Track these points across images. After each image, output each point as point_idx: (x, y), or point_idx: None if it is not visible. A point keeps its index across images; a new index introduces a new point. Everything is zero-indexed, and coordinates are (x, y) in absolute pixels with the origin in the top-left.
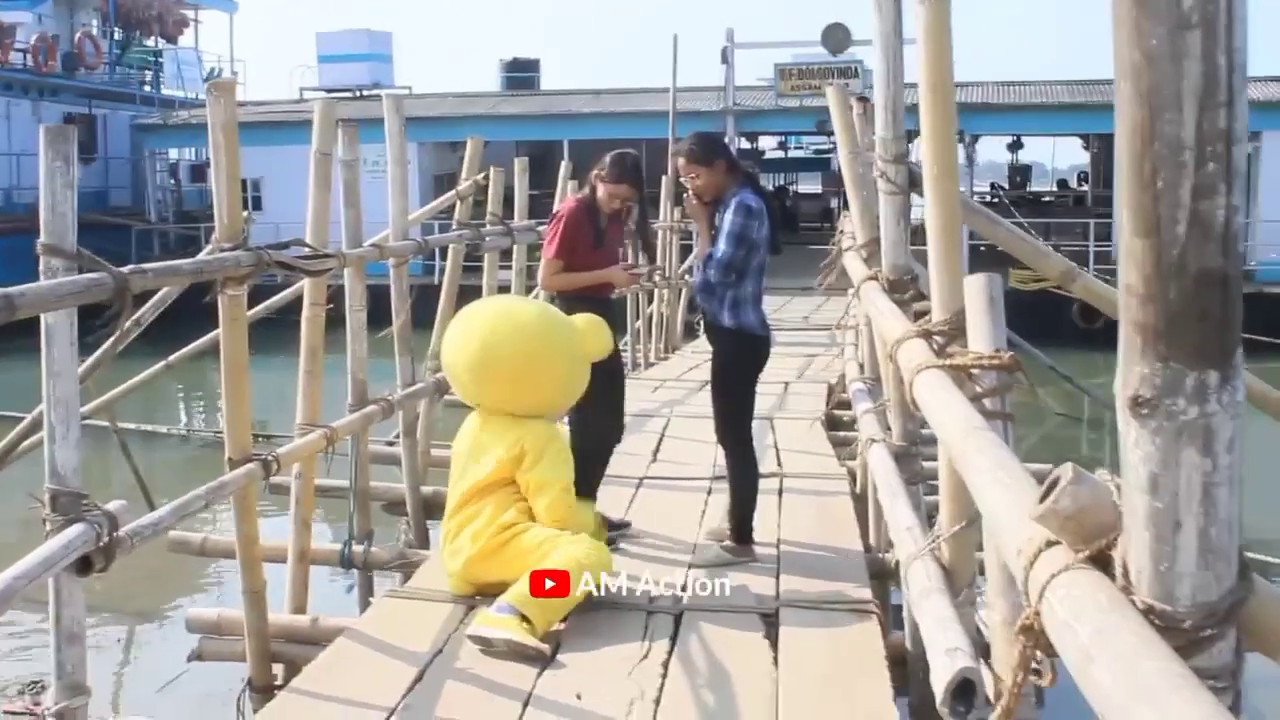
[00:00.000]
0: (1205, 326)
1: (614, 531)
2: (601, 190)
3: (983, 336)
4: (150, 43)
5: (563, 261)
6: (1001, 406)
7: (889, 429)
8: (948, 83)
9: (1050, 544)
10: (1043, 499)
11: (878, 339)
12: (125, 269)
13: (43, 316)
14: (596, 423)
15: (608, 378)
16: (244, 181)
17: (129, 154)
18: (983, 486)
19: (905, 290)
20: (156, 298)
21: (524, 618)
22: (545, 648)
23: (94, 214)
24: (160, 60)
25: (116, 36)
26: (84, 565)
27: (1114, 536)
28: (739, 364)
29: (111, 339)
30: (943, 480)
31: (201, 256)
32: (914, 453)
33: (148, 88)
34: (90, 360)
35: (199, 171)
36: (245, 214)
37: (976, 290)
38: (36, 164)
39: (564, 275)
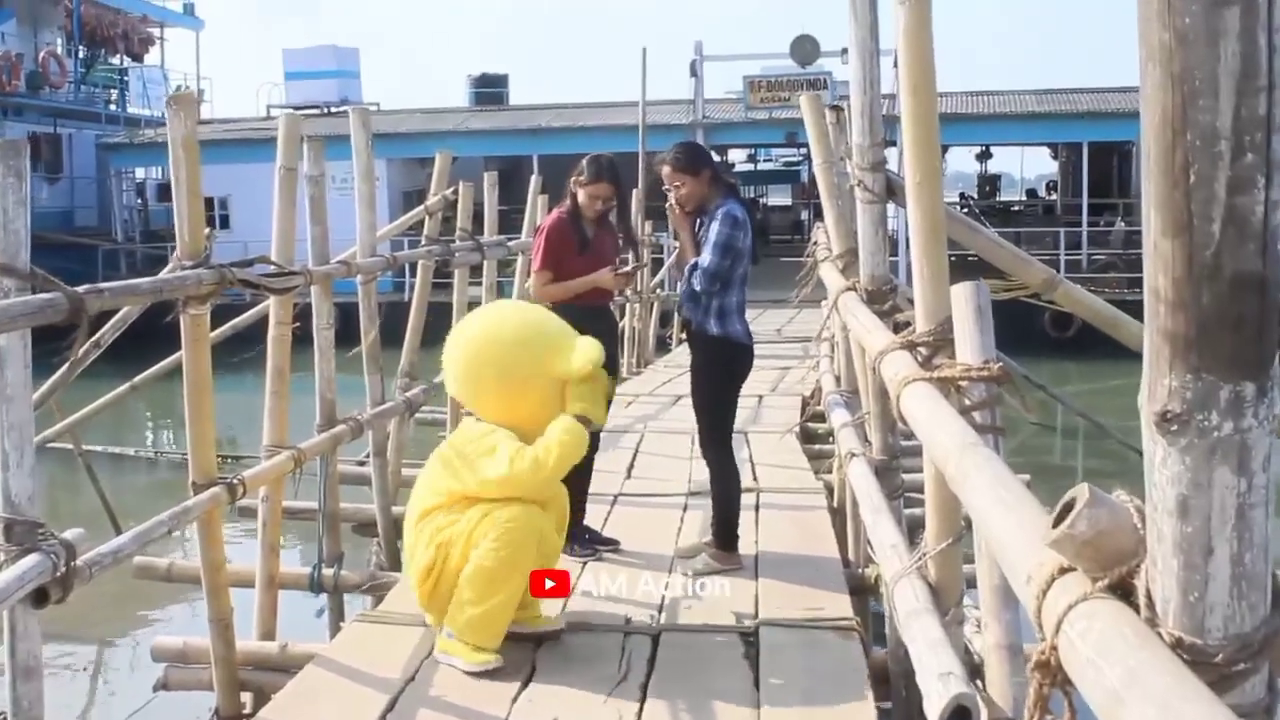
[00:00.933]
0: (1241, 335)
1: (603, 548)
2: (581, 194)
3: (971, 347)
4: (115, 61)
5: (550, 272)
6: (992, 420)
7: (868, 442)
8: (930, 85)
9: (1064, 570)
10: (1056, 522)
11: (856, 350)
12: (81, 288)
13: None
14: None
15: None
16: (210, 199)
17: (95, 173)
18: (984, 508)
19: (885, 300)
20: (117, 318)
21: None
22: (491, 660)
23: (60, 234)
24: (126, 78)
25: (81, 54)
26: (40, 597)
27: (1136, 563)
28: (723, 372)
29: (69, 362)
30: (929, 495)
31: (163, 275)
32: (895, 466)
33: (113, 106)
34: (47, 384)
35: (166, 190)
36: (207, 231)
37: (964, 299)
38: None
39: (554, 286)
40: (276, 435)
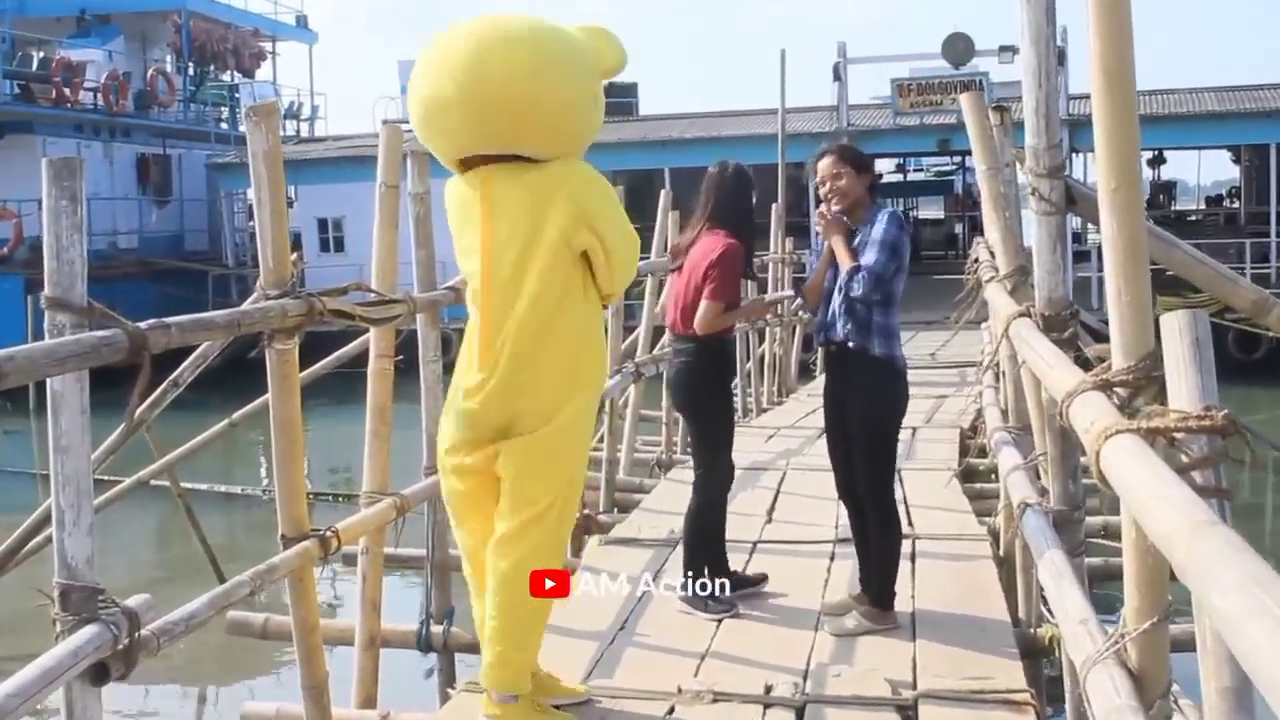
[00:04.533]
0: None
1: (749, 589)
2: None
3: (1188, 390)
4: (226, 78)
5: (726, 304)
6: (1216, 480)
7: (1042, 489)
8: (1128, 70)
9: None
10: None
11: (1028, 383)
12: (145, 324)
13: (48, 382)
14: (723, 469)
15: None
16: (325, 221)
17: (205, 195)
18: (1234, 616)
19: (1065, 328)
20: (196, 354)
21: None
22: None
23: (169, 260)
24: (236, 96)
25: (190, 72)
26: (100, 673)
27: None
28: (891, 404)
29: (128, 411)
30: (1129, 564)
31: (245, 306)
32: (1077, 519)
33: (224, 125)
34: (111, 438)
35: None
36: (294, 256)
37: (1178, 331)
38: (110, 209)
39: (729, 315)
40: (377, 480)
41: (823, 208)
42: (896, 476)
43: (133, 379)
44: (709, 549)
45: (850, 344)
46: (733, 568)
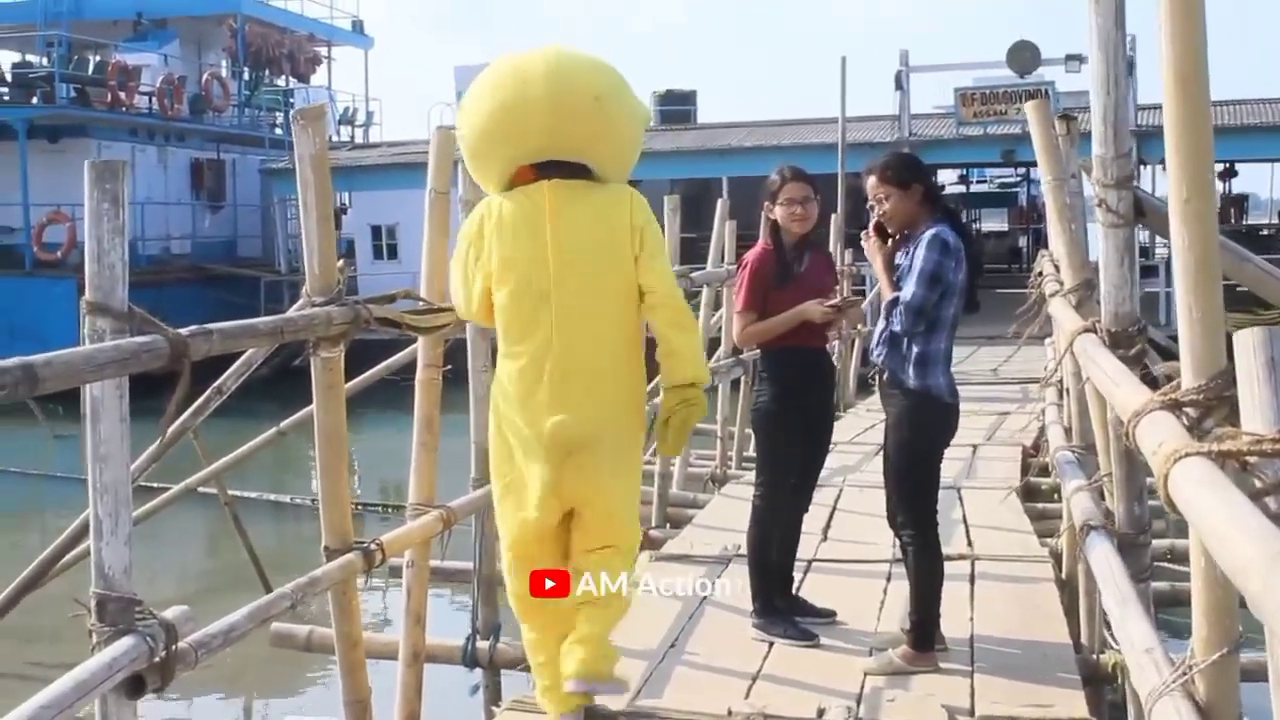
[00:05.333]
0: None
1: (816, 620)
2: (778, 211)
3: (1262, 410)
4: (280, 82)
5: (754, 313)
6: None
7: (1107, 510)
8: (1202, 74)
9: None
10: None
11: (1093, 400)
12: (187, 330)
13: (87, 388)
14: (772, 490)
15: (803, 431)
16: (379, 228)
17: (259, 201)
18: None
19: (1132, 344)
20: (240, 361)
21: None
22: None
23: (222, 265)
24: (291, 101)
25: (245, 77)
26: (136, 685)
27: None
28: (924, 434)
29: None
30: (1198, 594)
31: (289, 313)
32: (1143, 542)
33: (278, 130)
34: (152, 448)
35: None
36: (341, 263)
37: (1252, 349)
38: (163, 214)
39: (756, 327)
40: (423, 492)
41: (868, 230)
42: (956, 495)
43: (174, 386)
44: (758, 570)
45: (885, 373)
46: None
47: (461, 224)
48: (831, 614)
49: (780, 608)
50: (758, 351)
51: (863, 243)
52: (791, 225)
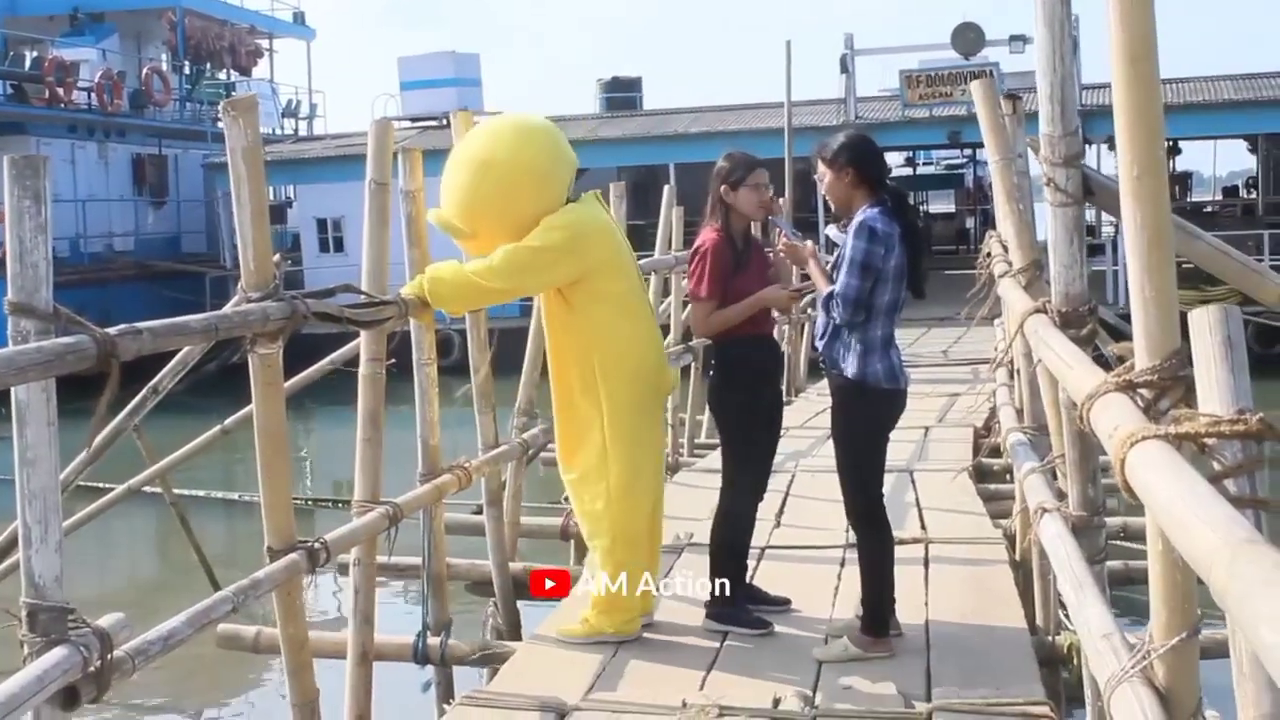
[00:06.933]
0: None
1: (771, 609)
2: (741, 196)
3: (1220, 391)
4: (222, 76)
5: (716, 301)
6: (1250, 490)
7: (1060, 491)
8: (1151, 52)
9: None
10: None
11: (1044, 381)
12: (115, 329)
13: (12, 391)
14: (742, 481)
15: (767, 420)
16: (325, 221)
17: (202, 196)
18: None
19: (1083, 324)
20: (176, 360)
21: None
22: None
23: (167, 262)
24: (233, 94)
25: (186, 71)
26: (70, 697)
27: None
28: (862, 422)
29: (98, 415)
30: (1156, 577)
31: (225, 310)
32: (1097, 524)
33: (221, 124)
34: (82, 455)
35: (277, 212)
36: (276, 257)
37: (1208, 328)
38: (105, 211)
39: (719, 315)
40: (368, 489)
41: (778, 235)
42: (909, 478)
43: (103, 386)
44: (721, 562)
45: (829, 363)
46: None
47: (403, 215)
48: (786, 602)
49: (736, 597)
50: (708, 340)
51: (780, 245)
52: (759, 211)
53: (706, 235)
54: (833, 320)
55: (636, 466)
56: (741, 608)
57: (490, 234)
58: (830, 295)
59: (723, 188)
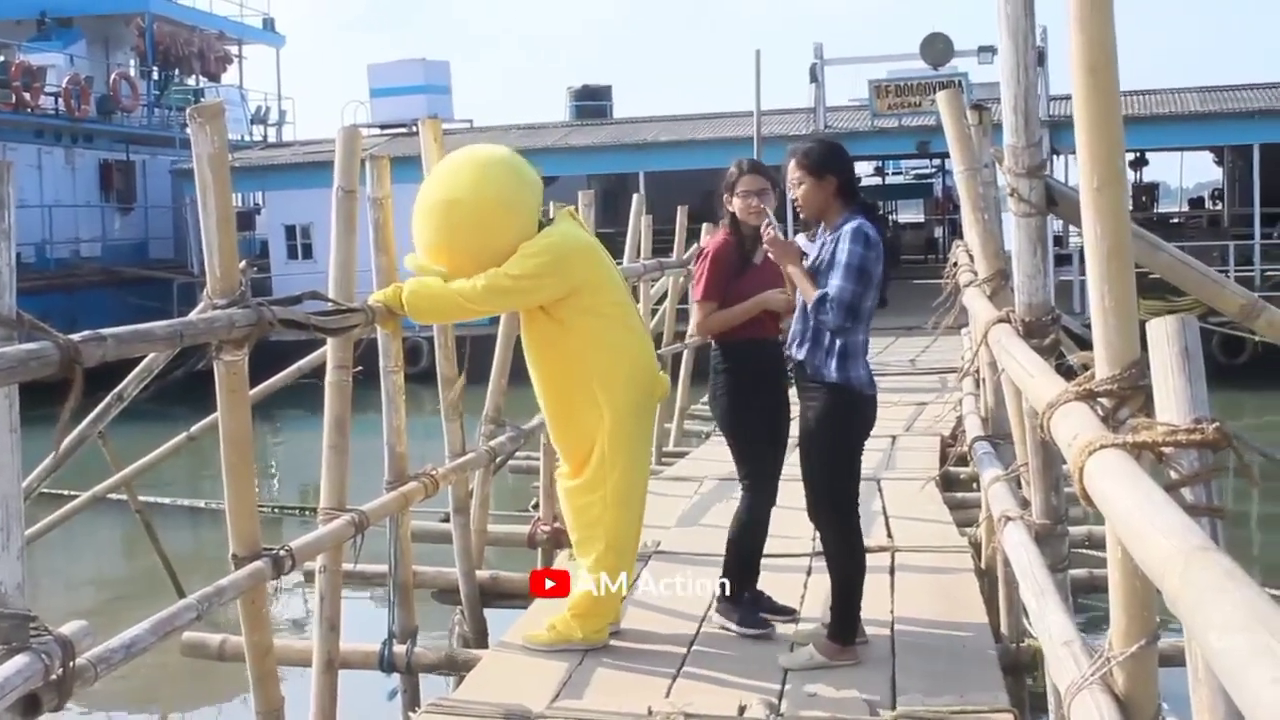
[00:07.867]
0: None
1: (779, 618)
2: (737, 203)
3: (1178, 400)
4: (191, 82)
5: (715, 302)
6: (1207, 498)
7: (1024, 500)
8: (1111, 63)
9: None
10: None
11: (1008, 390)
12: (79, 336)
13: None
14: (759, 485)
15: (768, 422)
16: (293, 228)
17: (170, 202)
18: (1235, 659)
19: (1046, 334)
20: (140, 367)
21: None
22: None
23: (134, 268)
24: (202, 100)
25: (154, 77)
26: (32, 705)
27: None
28: (845, 427)
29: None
30: (1115, 585)
31: (190, 316)
32: (1060, 532)
33: (188, 130)
34: (35, 473)
35: (246, 219)
36: (242, 264)
37: (1166, 338)
38: (72, 217)
39: (717, 315)
40: (334, 496)
41: (764, 227)
42: (876, 486)
43: (67, 393)
44: (738, 560)
45: (807, 367)
46: (708, 587)
47: (370, 222)
48: (793, 611)
49: (746, 599)
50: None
51: (764, 232)
52: (748, 217)
53: (715, 238)
54: (822, 325)
55: (633, 474)
56: (749, 606)
57: (473, 270)
58: (822, 299)
59: (724, 194)
